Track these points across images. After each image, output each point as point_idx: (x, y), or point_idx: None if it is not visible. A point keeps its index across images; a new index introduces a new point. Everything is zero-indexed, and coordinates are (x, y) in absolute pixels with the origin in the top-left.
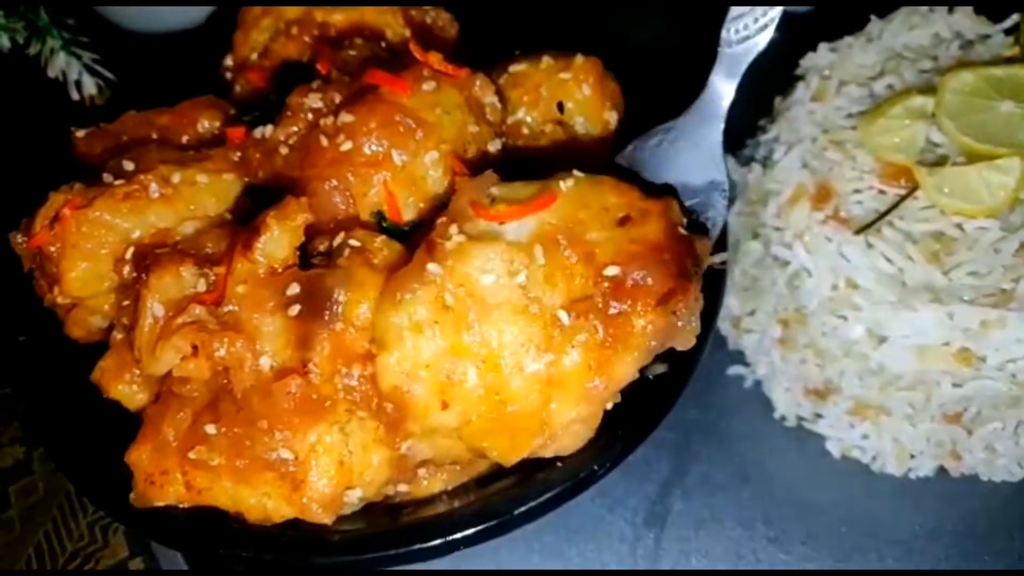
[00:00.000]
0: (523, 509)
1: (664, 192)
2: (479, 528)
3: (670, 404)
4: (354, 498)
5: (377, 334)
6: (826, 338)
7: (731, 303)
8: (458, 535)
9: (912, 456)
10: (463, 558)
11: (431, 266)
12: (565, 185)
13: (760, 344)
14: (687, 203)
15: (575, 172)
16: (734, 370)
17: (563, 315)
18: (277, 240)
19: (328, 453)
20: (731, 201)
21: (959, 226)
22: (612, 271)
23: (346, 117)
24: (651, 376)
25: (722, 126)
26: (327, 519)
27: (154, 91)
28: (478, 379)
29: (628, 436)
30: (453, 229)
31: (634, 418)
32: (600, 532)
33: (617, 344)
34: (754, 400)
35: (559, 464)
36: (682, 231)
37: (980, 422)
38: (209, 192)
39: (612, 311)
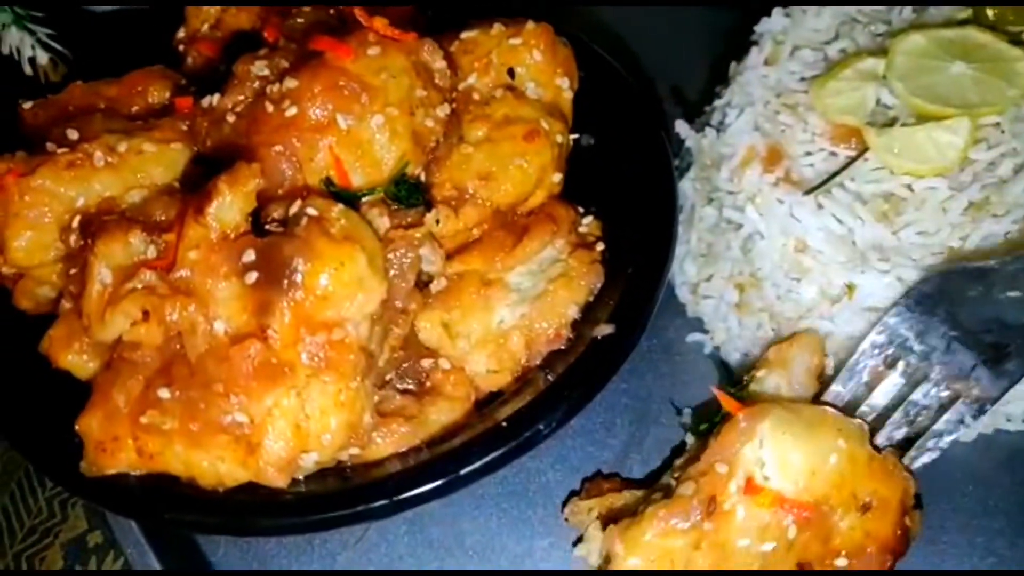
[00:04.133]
0: (468, 468)
1: None
2: (426, 488)
3: (617, 365)
4: (309, 462)
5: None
6: (780, 301)
7: (688, 270)
8: (404, 495)
9: None
10: (433, 534)
11: (707, 524)
12: (832, 460)
13: (717, 310)
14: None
15: (840, 443)
16: (693, 337)
17: None
18: (229, 205)
19: (285, 417)
20: (686, 168)
21: (908, 186)
22: (841, 562)
23: (290, 83)
24: (599, 336)
25: None
26: (282, 482)
27: (108, 65)
28: None
29: (574, 396)
30: (733, 488)
31: (581, 378)
32: (558, 498)
33: None
34: (713, 366)
35: (504, 424)
36: (908, 521)
37: None
38: (156, 161)
39: None
